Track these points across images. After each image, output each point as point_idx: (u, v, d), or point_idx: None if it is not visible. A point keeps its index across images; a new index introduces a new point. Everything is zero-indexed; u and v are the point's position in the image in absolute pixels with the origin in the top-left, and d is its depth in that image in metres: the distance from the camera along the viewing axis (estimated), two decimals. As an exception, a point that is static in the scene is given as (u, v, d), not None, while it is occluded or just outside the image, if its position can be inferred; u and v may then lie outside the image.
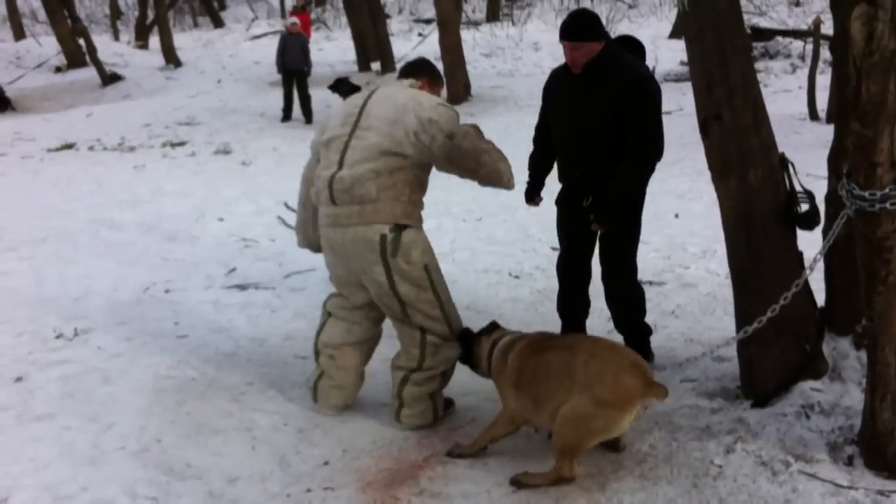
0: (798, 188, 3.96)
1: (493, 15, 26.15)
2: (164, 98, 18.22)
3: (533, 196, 4.77)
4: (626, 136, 4.14)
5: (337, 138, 3.90)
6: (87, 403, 4.37)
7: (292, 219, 4.01)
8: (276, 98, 16.57)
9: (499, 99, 16.20)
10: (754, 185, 3.88)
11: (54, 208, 8.97)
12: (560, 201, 4.61)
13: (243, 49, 25.17)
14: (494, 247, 7.27)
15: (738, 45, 3.89)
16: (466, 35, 20.01)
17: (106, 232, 8.01)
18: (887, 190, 3.07)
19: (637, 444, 3.78)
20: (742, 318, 3.98)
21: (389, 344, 4.31)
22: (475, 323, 5.46)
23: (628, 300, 4.59)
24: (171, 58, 22.28)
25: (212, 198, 9.41)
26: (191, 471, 3.75)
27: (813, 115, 12.55)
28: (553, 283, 6.15)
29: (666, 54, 18.18)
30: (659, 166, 4.37)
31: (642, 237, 4.55)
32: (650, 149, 4.21)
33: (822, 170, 4.11)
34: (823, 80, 12.35)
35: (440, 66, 16.55)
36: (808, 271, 3.74)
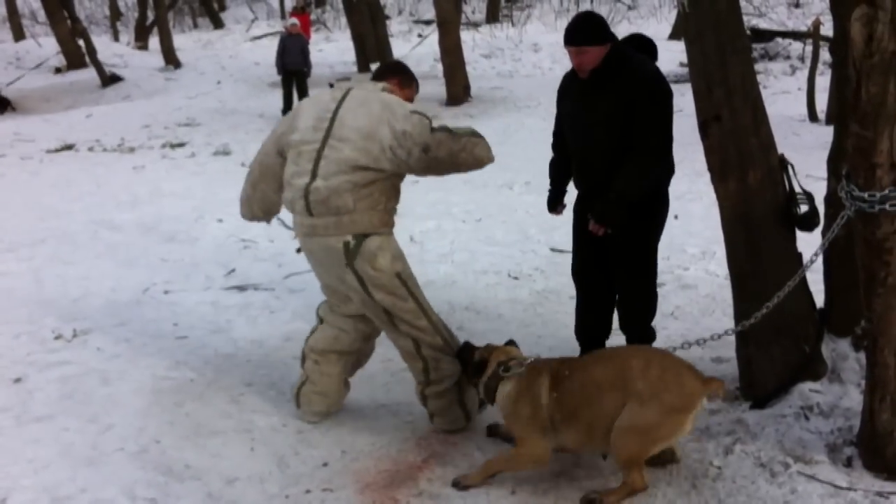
0: (797, 189, 3.96)
1: (492, 16, 26.17)
2: (164, 99, 18.23)
3: (555, 205, 4.57)
4: (633, 135, 3.99)
5: (308, 144, 3.80)
6: (86, 404, 4.37)
7: (291, 219, 3.98)
8: (276, 99, 16.58)
9: (498, 100, 16.21)
10: (754, 186, 3.88)
11: (53, 209, 8.97)
12: (577, 208, 4.43)
13: (243, 50, 25.20)
14: (494, 248, 7.27)
15: (738, 47, 3.89)
16: (466, 36, 20.02)
17: (105, 233, 8.01)
18: (887, 191, 3.07)
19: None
20: (741, 319, 3.96)
21: (389, 345, 4.28)
22: (474, 323, 5.50)
23: (637, 305, 4.39)
24: (171, 59, 22.29)
25: (211, 199, 9.41)
26: (189, 472, 3.75)
27: (812, 116, 12.57)
28: (551, 285, 6.19)
29: (665, 55, 18.02)
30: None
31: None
32: (657, 148, 4.03)
33: (822, 171, 4.11)
34: (823, 82, 12.38)
35: (440, 67, 16.70)
36: (805, 266, 3.72)
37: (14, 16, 27.61)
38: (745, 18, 4.15)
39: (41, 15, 26.64)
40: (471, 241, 7.49)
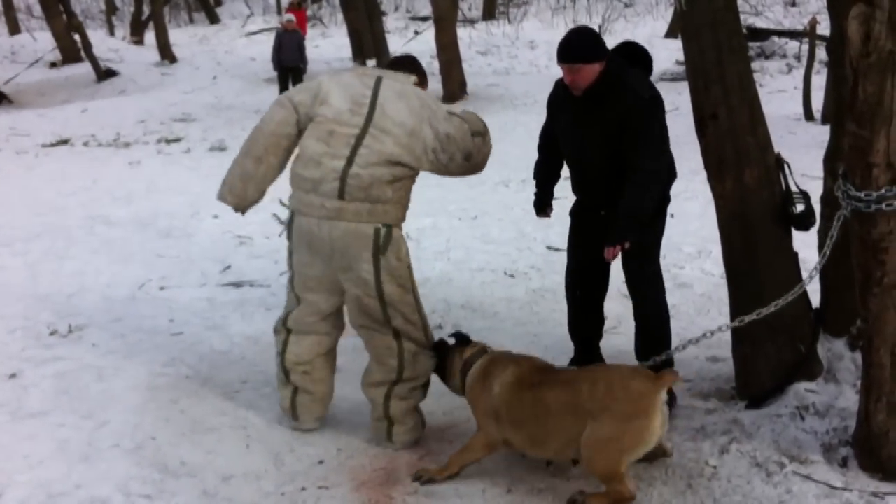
0: (794, 188, 3.96)
1: (489, 13, 26.11)
2: (160, 94, 18.17)
3: (543, 208, 4.48)
4: (629, 155, 3.88)
5: (344, 126, 3.66)
6: (81, 400, 4.36)
7: (296, 202, 3.85)
8: (272, 95, 16.49)
9: (495, 97, 16.19)
10: (750, 184, 3.88)
11: (49, 204, 8.94)
12: (574, 213, 4.38)
13: (239, 45, 25.11)
14: (490, 245, 7.27)
15: (735, 45, 3.89)
16: (462, 33, 19.99)
17: (100, 228, 7.99)
18: (883, 191, 3.07)
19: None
20: (737, 318, 3.97)
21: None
22: (470, 321, 5.50)
23: (651, 312, 4.29)
24: (167, 54, 22.21)
25: (207, 194, 9.30)
26: (185, 469, 3.75)
27: (808, 115, 12.57)
28: (547, 283, 6.19)
29: (662, 53, 18.14)
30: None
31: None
32: (655, 170, 3.93)
33: (817, 170, 4.12)
34: (819, 81, 12.38)
35: (436, 63, 16.68)
36: (806, 281, 3.73)
37: (10, 10, 27.57)
38: (741, 17, 4.14)
39: (37, 9, 26.54)
40: (467, 238, 7.49)
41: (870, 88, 3.02)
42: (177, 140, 13.47)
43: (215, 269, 6.74)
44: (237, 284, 6.36)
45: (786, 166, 3.96)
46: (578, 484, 3.51)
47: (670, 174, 4.18)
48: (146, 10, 25.83)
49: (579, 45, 3.95)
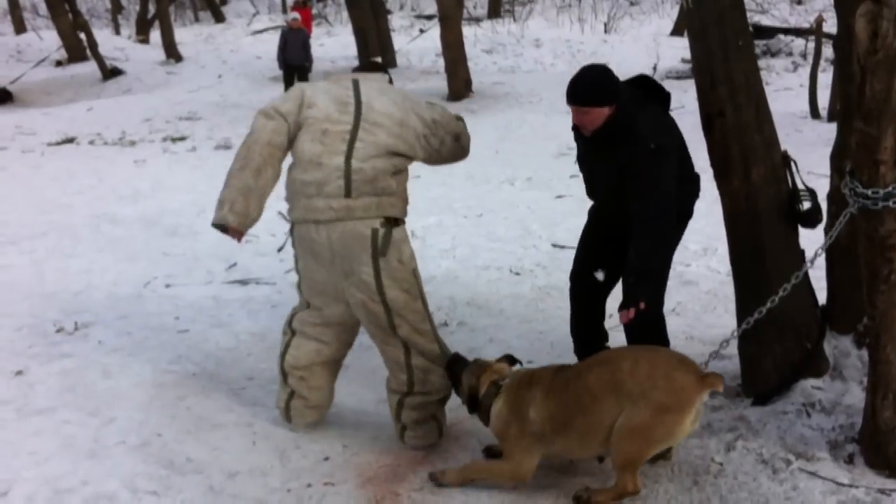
0: (800, 186, 3.96)
1: (494, 11, 26.15)
2: (165, 93, 18.20)
3: None
4: (631, 202, 3.73)
5: (336, 124, 3.66)
6: (87, 397, 4.37)
7: (288, 228, 3.86)
8: (277, 93, 16.51)
9: (500, 95, 16.19)
10: (756, 182, 3.88)
11: (55, 202, 8.96)
12: (592, 210, 4.28)
13: (244, 44, 25.13)
14: (495, 243, 7.27)
15: (742, 43, 3.88)
16: (468, 31, 20.00)
17: (106, 226, 8.01)
18: (890, 188, 3.07)
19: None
20: (743, 316, 3.96)
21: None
22: (475, 319, 5.50)
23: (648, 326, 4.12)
24: (172, 52, 22.25)
25: (212, 193, 9.23)
26: (191, 465, 3.75)
27: (814, 113, 12.55)
28: (553, 280, 6.18)
29: (668, 52, 18.20)
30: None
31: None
32: (655, 216, 3.71)
33: (824, 168, 4.11)
34: (825, 79, 12.35)
35: (441, 62, 16.69)
36: (808, 264, 3.71)
37: (15, 9, 27.64)
38: (747, 15, 4.13)
39: (42, 8, 26.63)
40: (472, 236, 7.48)
41: (877, 86, 3.02)
42: (182, 139, 13.48)
43: (221, 266, 6.75)
44: (243, 282, 6.37)
45: (792, 164, 3.95)
46: (582, 482, 3.51)
47: (694, 192, 4.09)
48: (152, 9, 25.86)
49: (590, 87, 3.74)
